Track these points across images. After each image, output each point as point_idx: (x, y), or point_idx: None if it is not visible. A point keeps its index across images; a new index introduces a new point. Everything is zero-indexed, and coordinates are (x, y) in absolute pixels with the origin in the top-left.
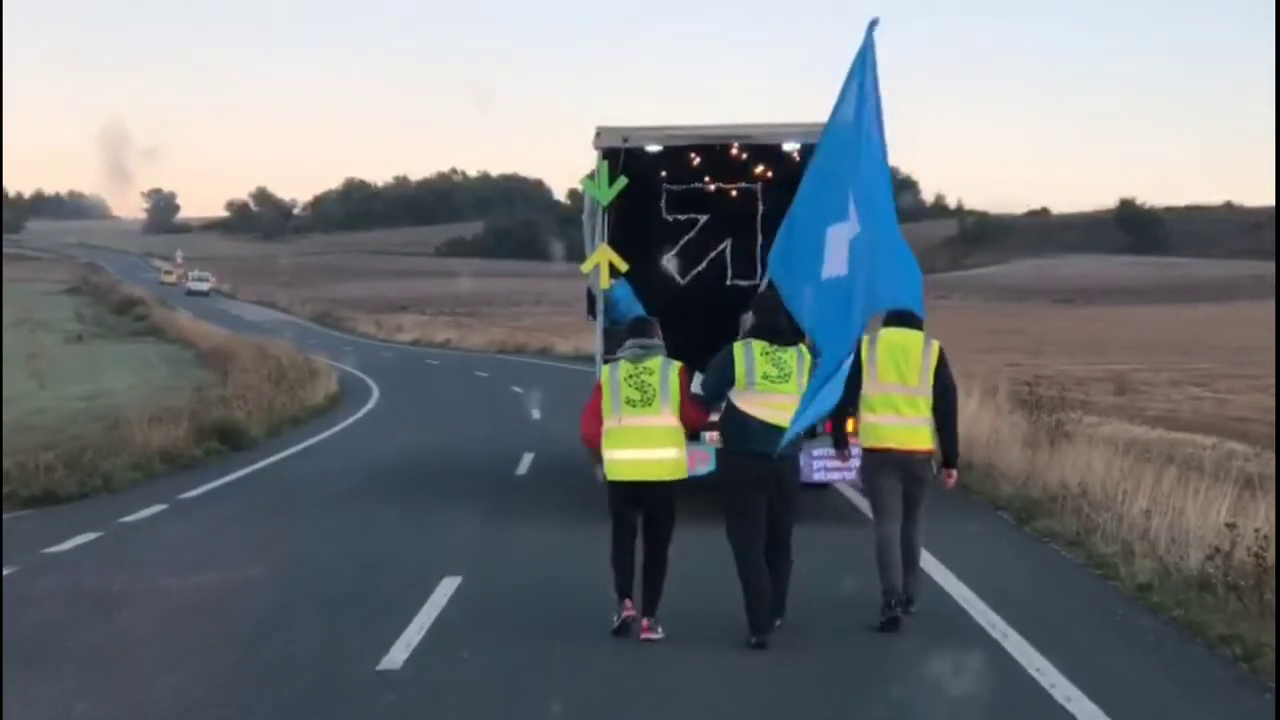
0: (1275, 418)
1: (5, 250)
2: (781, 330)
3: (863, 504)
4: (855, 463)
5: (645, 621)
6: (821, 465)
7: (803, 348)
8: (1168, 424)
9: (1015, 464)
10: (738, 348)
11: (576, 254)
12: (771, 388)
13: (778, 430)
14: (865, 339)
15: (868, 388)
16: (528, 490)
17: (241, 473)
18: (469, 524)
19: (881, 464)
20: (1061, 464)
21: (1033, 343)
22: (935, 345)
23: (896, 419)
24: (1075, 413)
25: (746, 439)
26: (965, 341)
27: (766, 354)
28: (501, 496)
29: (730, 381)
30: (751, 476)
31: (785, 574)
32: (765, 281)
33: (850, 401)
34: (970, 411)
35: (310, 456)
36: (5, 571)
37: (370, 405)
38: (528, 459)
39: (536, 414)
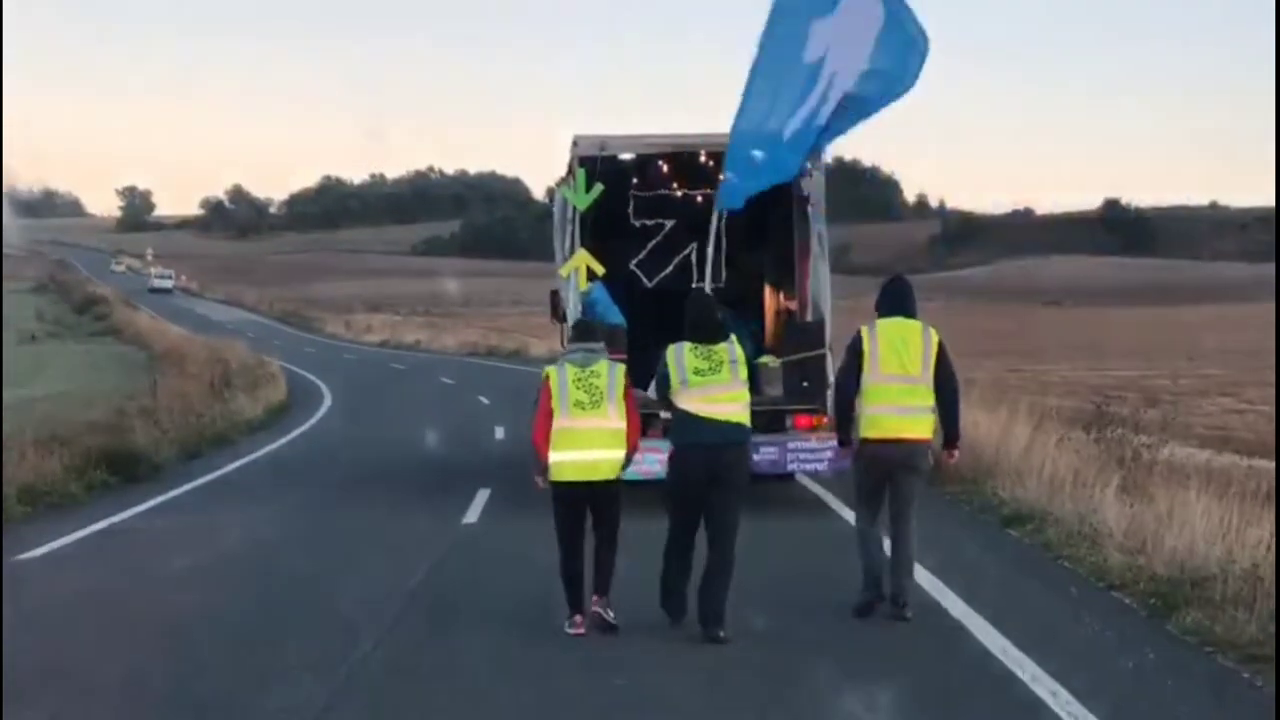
0: (1275, 419)
1: None
2: (711, 328)
3: (825, 495)
4: (828, 454)
5: (596, 596)
6: (795, 456)
7: (734, 339)
8: (1232, 446)
9: (1116, 520)
10: (670, 350)
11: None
12: (703, 381)
13: (719, 424)
14: (864, 330)
15: (868, 379)
16: (474, 554)
17: (113, 520)
18: (379, 623)
19: (875, 456)
20: (1179, 518)
21: (1029, 346)
22: (934, 334)
23: (896, 409)
24: (1150, 437)
25: (688, 433)
26: (958, 344)
27: (695, 350)
28: (436, 569)
29: (669, 384)
30: (695, 470)
31: (724, 581)
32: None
33: (845, 395)
34: (1024, 440)
35: (210, 496)
36: None
37: (314, 420)
38: (482, 498)
39: (501, 433)
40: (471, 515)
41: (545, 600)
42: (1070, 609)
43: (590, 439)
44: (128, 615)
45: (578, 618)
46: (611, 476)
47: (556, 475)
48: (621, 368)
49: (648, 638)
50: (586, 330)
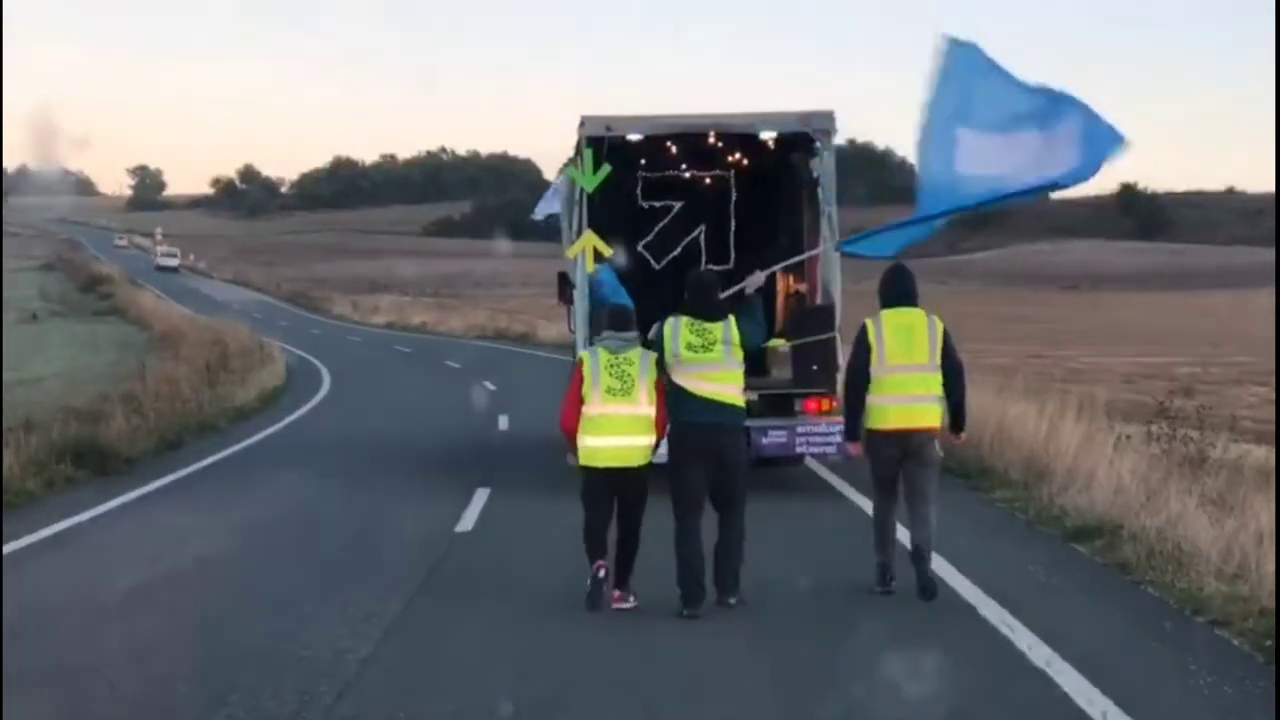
0: (1275, 418)
1: None
2: (710, 305)
3: (833, 479)
4: (836, 438)
5: (617, 593)
6: (804, 439)
7: (731, 320)
8: None
9: (1203, 538)
10: (666, 323)
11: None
12: (696, 358)
13: (713, 403)
14: (869, 323)
15: (876, 370)
16: (465, 573)
17: (65, 524)
18: (339, 674)
19: (885, 445)
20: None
21: (1049, 331)
22: (939, 322)
23: (905, 398)
24: (1218, 436)
25: (683, 411)
26: (977, 330)
27: (691, 326)
28: (421, 591)
29: (662, 355)
30: (690, 448)
31: (735, 549)
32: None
33: (857, 387)
34: (1075, 439)
35: (179, 495)
36: None
37: (308, 407)
38: (480, 499)
39: (505, 423)
40: (467, 521)
41: (546, 637)
42: (1171, 652)
43: (621, 425)
44: (48, 650)
45: (600, 562)
46: (641, 463)
47: (587, 460)
48: (653, 355)
49: (661, 625)
50: (621, 317)
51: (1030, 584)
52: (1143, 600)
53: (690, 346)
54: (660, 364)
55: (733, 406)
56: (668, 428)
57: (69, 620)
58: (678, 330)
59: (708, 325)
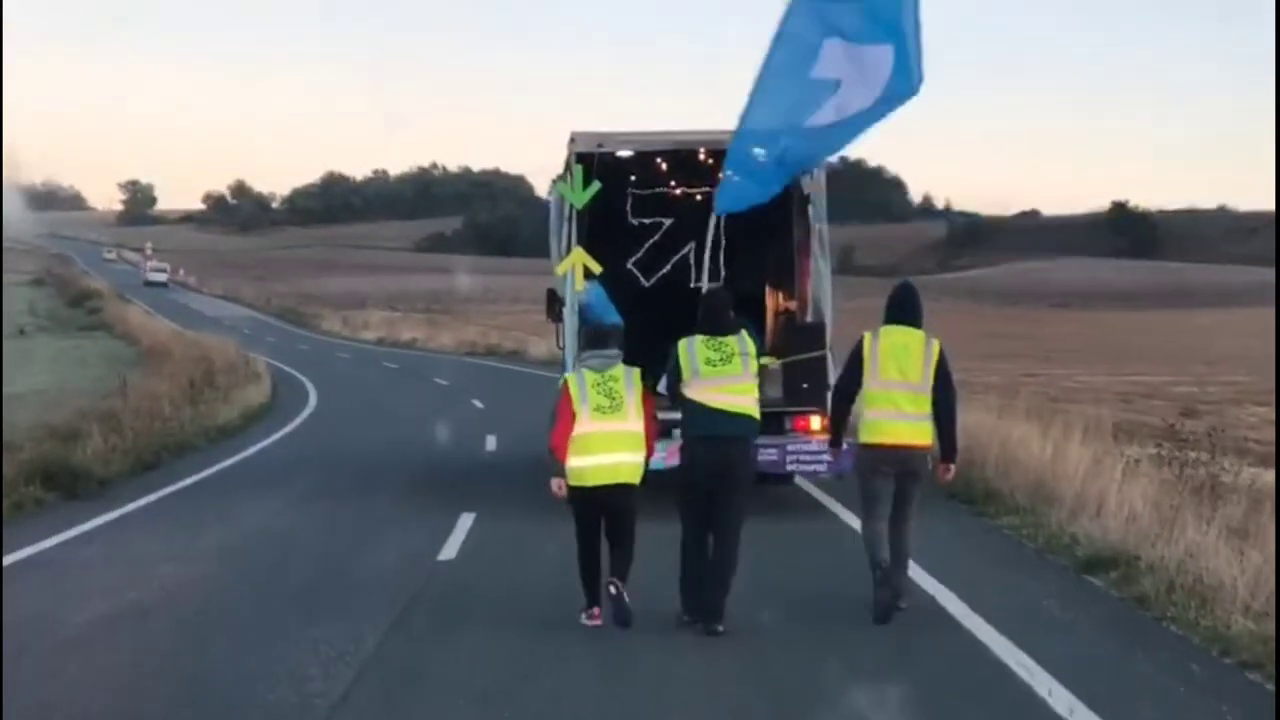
0: (1275, 424)
1: None
2: (724, 322)
3: (823, 498)
4: (826, 457)
5: (615, 578)
6: (794, 458)
7: (744, 333)
8: None
9: (1227, 571)
10: (681, 343)
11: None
12: (715, 371)
13: (730, 415)
14: (867, 336)
15: (868, 384)
16: (447, 606)
17: (31, 550)
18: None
19: (877, 460)
20: None
21: (1040, 349)
22: (936, 343)
23: (897, 415)
24: (1229, 460)
25: (696, 426)
26: (967, 347)
27: (707, 343)
28: (399, 622)
29: (679, 375)
30: (703, 462)
31: (726, 580)
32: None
33: (841, 397)
34: (1082, 462)
35: (151, 519)
36: None
37: (291, 426)
38: (465, 525)
39: (493, 443)
40: (450, 549)
41: (530, 675)
42: (1201, 699)
43: (612, 442)
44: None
45: (595, 610)
46: (632, 480)
47: (577, 480)
48: (638, 371)
49: (652, 654)
50: (601, 337)
51: (1044, 619)
52: (1165, 639)
53: (709, 361)
54: (676, 380)
55: (747, 418)
56: (678, 444)
57: (17, 656)
58: (694, 348)
59: (723, 339)
